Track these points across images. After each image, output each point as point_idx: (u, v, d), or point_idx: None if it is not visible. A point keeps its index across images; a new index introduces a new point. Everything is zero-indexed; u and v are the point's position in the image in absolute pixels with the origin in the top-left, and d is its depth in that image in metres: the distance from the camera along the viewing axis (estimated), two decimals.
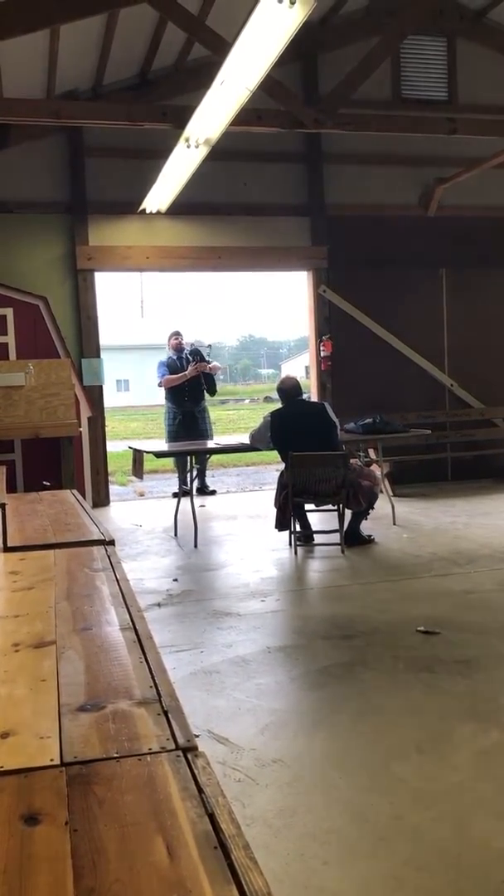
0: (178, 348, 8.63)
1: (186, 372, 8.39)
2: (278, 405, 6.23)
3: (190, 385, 8.47)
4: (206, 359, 8.64)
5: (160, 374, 8.57)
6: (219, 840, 0.95)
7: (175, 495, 7.54)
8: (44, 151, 7.98)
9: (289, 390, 6.09)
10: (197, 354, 8.59)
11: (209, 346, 9.38)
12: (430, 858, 2.14)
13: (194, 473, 8.00)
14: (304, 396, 6.32)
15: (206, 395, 8.68)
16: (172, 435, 8.44)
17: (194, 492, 7.45)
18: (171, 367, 8.54)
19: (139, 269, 8.94)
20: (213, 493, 8.98)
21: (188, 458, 7.30)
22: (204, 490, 8.87)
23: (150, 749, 1.18)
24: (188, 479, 7.51)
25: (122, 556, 2.77)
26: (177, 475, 8.85)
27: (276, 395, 6.46)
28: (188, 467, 7.40)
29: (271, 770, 2.65)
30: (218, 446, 7.03)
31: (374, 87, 7.85)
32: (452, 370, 9.05)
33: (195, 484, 8.27)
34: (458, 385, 9.06)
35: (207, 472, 9.46)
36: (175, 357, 8.59)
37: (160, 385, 8.61)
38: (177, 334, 8.75)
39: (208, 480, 9.34)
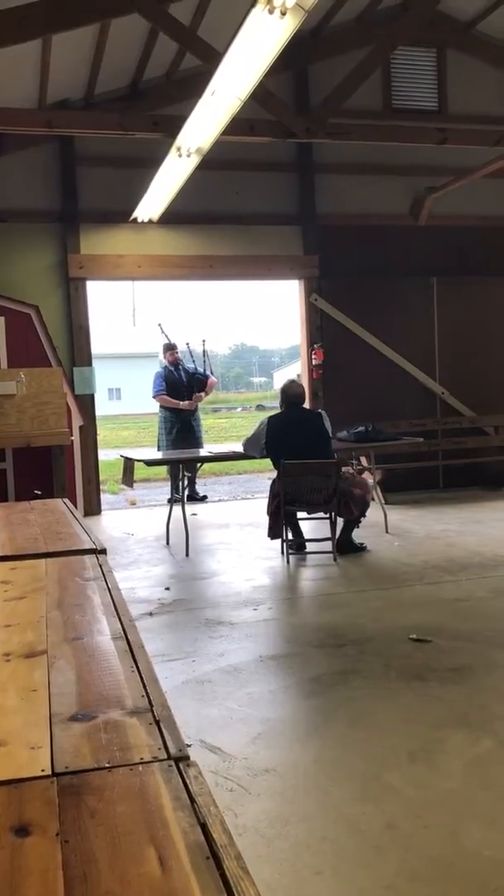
0: (175, 363, 8.73)
1: (182, 404, 8.52)
2: (270, 413, 6.21)
3: (187, 395, 8.60)
4: (207, 371, 8.97)
5: (157, 387, 8.64)
6: (211, 850, 0.94)
7: (170, 501, 7.68)
8: (35, 160, 7.99)
9: (292, 396, 6.01)
10: (198, 382, 8.74)
11: (204, 351, 9.43)
12: (422, 867, 2.14)
13: (185, 482, 8.08)
14: None
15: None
16: (170, 444, 8.51)
17: (185, 499, 7.49)
18: (169, 378, 8.64)
19: (131, 278, 8.94)
20: (203, 498, 9.13)
21: (180, 466, 7.32)
22: (194, 497, 8.96)
23: (141, 759, 1.17)
24: (180, 487, 7.52)
25: (113, 565, 2.76)
26: (170, 483, 8.92)
27: (267, 404, 6.47)
28: (180, 476, 7.44)
29: (263, 779, 2.64)
30: (210, 455, 7.01)
31: (365, 97, 7.90)
32: (443, 378, 9.08)
33: (185, 492, 8.31)
34: (449, 393, 9.09)
35: (199, 481, 9.60)
36: (172, 369, 8.69)
37: (154, 398, 8.74)
38: (173, 348, 8.81)
39: (200, 488, 9.46)
